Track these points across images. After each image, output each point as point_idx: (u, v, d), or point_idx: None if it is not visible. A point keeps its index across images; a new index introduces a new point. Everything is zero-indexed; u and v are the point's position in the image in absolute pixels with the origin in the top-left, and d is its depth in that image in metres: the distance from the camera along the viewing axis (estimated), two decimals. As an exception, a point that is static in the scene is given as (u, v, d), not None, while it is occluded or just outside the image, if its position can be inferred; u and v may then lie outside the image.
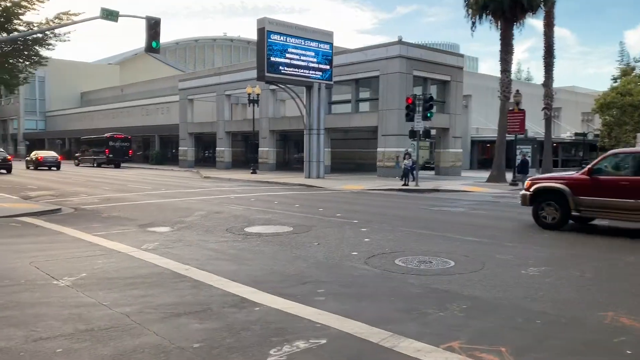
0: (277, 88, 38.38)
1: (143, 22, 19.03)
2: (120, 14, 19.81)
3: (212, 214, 13.69)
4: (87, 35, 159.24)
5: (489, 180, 27.54)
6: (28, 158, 43.78)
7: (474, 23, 28.19)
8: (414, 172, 25.00)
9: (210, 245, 9.20)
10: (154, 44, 20.23)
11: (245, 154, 48.98)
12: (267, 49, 27.68)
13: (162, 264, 7.52)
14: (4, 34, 21.67)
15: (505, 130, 27.42)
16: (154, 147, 60.09)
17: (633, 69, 48.00)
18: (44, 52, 22.86)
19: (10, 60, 22.33)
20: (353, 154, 38.83)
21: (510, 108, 26.84)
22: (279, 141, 41.67)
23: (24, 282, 6.43)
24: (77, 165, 50.59)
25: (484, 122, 45.06)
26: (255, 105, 35.13)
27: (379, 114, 31.65)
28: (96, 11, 19.16)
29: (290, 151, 47.93)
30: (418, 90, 32.42)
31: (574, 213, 11.31)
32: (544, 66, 30.26)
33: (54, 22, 21.66)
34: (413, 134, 24.12)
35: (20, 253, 8.36)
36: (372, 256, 8.28)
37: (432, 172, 35.53)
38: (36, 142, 79.76)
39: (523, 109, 26.33)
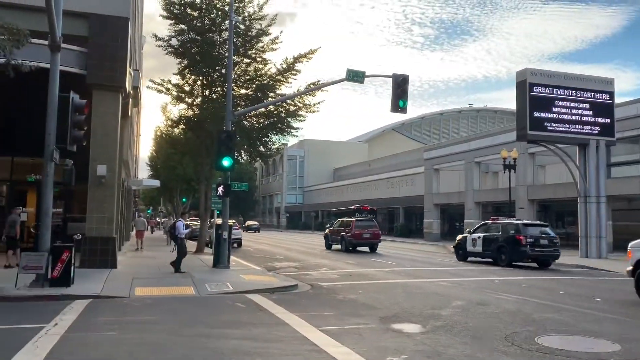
0: (538, 151, 33.52)
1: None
2: (366, 74, 18.54)
3: (474, 306, 10.09)
4: (337, 116, 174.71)
5: None
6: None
7: None
8: None
9: (488, 370, 5.66)
10: (400, 103, 18.29)
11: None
12: (529, 104, 23.56)
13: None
14: (263, 109, 22.52)
15: None
16: (398, 219, 59.08)
17: None
18: (295, 123, 23.00)
19: (266, 133, 22.96)
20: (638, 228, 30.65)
21: None
22: (538, 212, 35.76)
23: None
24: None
25: None
26: (512, 171, 30.58)
27: (686, 177, 24.06)
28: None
29: (554, 224, 40.98)
30: None
31: None
32: None
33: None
34: None
35: (216, 355, 6.15)
36: None
37: None
38: (295, 214, 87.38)
39: None
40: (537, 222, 24.98)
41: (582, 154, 24.72)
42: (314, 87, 20.11)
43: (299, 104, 22.31)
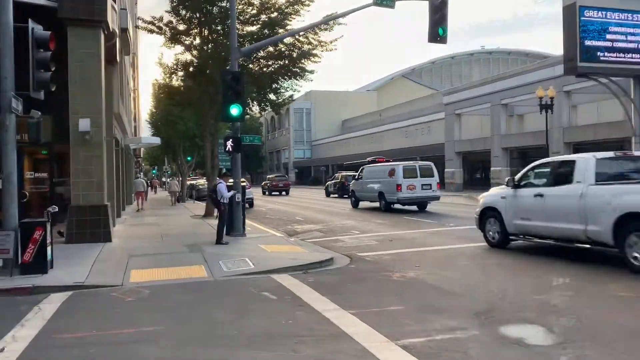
0: (574, 89, 30.33)
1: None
2: (397, -3, 15.39)
3: (584, 283, 7.45)
4: (343, 64, 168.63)
5: None
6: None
7: None
8: None
9: None
10: (440, 31, 15.30)
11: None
12: (580, 30, 20.22)
13: None
14: (271, 47, 19.43)
15: None
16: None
17: None
18: (309, 65, 19.91)
19: (277, 78, 19.97)
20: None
21: None
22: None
23: None
24: (328, 195, 39.88)
25: None
26: (550, 111, 27.51)
27: None
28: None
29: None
30: None
31: None
32: None
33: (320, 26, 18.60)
34: None
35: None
36: None
37: None
38: (304, 169, 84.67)
39: None
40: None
41: (638, 87, 21.58)
42: (333, 16, 16.91)
43: (313, 41, 19.20)
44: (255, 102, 21.53)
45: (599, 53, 20.53)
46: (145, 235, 14.83)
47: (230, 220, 13.81)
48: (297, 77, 20.17)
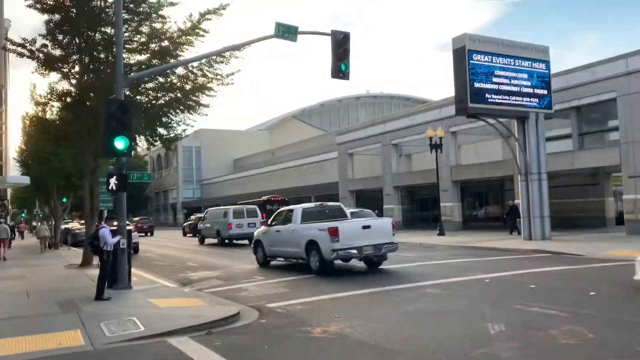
0: (460, 130, 31.87)
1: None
2: (299, 30, 14.88)
3: (519, 328, 6.87)
4: (233, 104, 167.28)
5: None
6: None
7: None
8: None
9: None
10: (342, 67, 14.95)
11: (412, 212, 42.25)
12: (470, 73, 21.14)
13: None
14: (161, 78, 17.90)
15: None
16: (308, 210, 56.05)
17: None
18: (204, 99, 18.62)
19: (168, 111, 18.38)
20: (567, 205, 29.99)
21: None
22: (463, 195, 34.23)
23: None
24: (185, 235, 42.67)
25: None
26: (439, 151, 28.50)
27: (622, 149, 23.10)
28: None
29: (473, 207, 40.06)
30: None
31: None
32: None
33: (216, 58, 17.46)
34: None
35: None
36: None
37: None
38: (193, 210, 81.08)
39: None
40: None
41: (521, 128, 22.86)
42: (229, 48, 15.90)
43: (208, 73, 18.03)
44: (142, 137, 19.66)
45: (487, 95, 21.53)
46: (8, 292, 12.35)
47: (113, 270, 11.87)
48: (191, 111, 18.76)
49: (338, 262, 14.25)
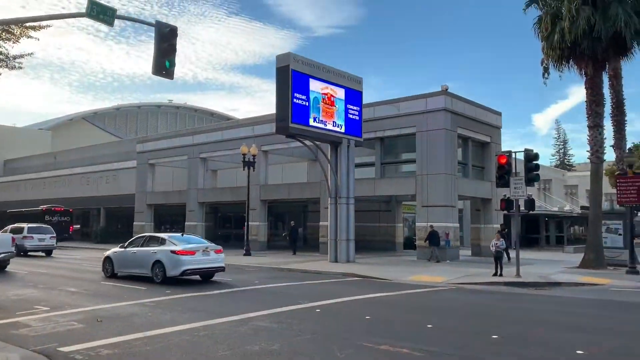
0: (272, 149, 31.75)
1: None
2: (118, 14, 12.77)
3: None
4: (15, 96, 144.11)
5: (583, 265, 21.28)
6: None
7: (546, 69, 22.85)
8: (507, 256, 18.56)
9: None
10: (167, 63, 13.27)
11: (215, 230, 40.82)
12: (292, 93, 20.93)
13: None
14: None
15: (599, 200, 21.81)
16: (96, 222, 50.31)
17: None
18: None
19: None
20: (365, 229, 31.71)
21: (618, 172, 21.37)
22: (268, 215, 33.97)
23: None
24: None
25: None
26: (252, 169, 27.84)
27: (418, 180, 25.25)
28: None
29: (276, 227, 40.10)
30: (458, 153, 26.76)
31: None
32: (614, 125, 24.82)
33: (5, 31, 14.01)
34: (510, 205, 17.78)
35: None
36: None
37: (468, 254, 29.15)
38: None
39: (640, 173, 20.79)
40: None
41: (334, 153, 23.47)
42: (23, 19, 12.92)
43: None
44: None
45: (307, 117, 21.60)
46: None
47: None
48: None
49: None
